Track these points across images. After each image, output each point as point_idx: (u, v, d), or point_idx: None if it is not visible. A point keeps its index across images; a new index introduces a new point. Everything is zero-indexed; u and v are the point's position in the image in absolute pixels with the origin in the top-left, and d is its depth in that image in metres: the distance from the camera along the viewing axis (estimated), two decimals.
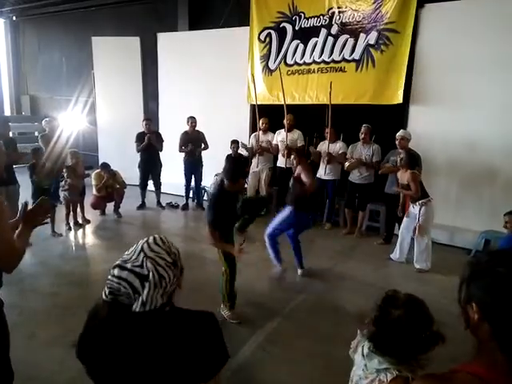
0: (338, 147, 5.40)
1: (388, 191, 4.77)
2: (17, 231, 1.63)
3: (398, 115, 5.22)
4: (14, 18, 10.01)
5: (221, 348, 1.05)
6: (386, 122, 5.21)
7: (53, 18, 9.17)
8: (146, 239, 1.05)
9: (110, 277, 1.00)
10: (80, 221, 5.37)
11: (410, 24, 4.94)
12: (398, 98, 5.06)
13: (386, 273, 4.16)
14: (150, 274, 0.98)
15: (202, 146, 6.31)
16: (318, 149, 5.59)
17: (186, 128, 6.27)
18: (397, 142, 4.61)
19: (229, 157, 6.37)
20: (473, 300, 0.78)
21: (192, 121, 6.21)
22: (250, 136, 6.31)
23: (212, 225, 2.84)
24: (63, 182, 5.00)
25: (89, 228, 5.40)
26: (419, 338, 1.18)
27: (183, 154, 6.32)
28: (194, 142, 6.19)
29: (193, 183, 6.58)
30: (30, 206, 1.76)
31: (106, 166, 5.69)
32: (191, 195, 6.75)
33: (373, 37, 5.23)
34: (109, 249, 4.71)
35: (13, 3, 9.44)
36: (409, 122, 5.15)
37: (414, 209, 4.12)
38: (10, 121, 4.53)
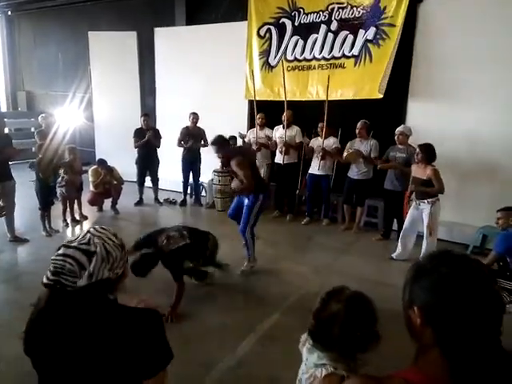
0: (331, 142, 5.38)
1: (387, 187, 4.75)
2: None
3: (397, 110, 5.21)
4: (10, 12, 9.90)
5: (164, 346, 1.04)
6: (386, 117, 5.20)
7: (49, 12, 9.07)
8: (91, 227, 1.07)
9: (53, 256, 0.99)
10: (77, 217, 5.34)
11: (402, 16, 4.88)
12: (380, 92, 4.99)
13: (384, 268, 4.16)
14: (98, 247, 0.99)
15: (202, 142, 6.29)
16: (310, 144, 5.57)
17: (185, 123, 6.24)
18: (396, 138, 4.60)
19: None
20: (415, 303, 0.72)
21: (194, 116, 6.19)
22: (247, 132, 6.28)
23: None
24: (60, 179, 4.97)
25: (86, 224, 5.37)
26: (356, 335, 1.15)
27: (181, 151, 6.29)
28: (194, 138, 6.16)
29: (191, 179, 6.56)
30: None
31: (102, 161, 5.65)
32: (189, 191, 6.73)
33: (371, 32, 5.20)
34: None
35: None
36: (407, 117, 5.14)
37: (421, 206, 4.04)
38: (6, 117, 4.47)
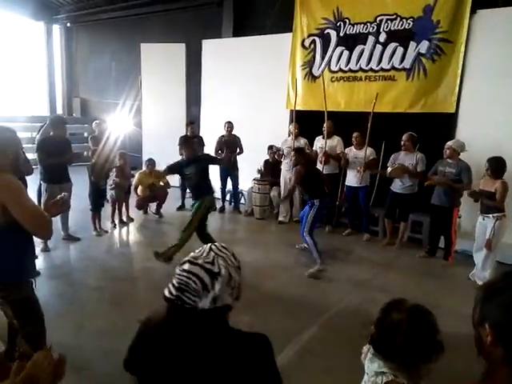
0: (368, 153, 5.28)
1: (434, 202, 4.57)
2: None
3: (445, 125, 5.04)
4: (69, 24, 10.66)
5: (275, 373, 1.01)
6: (434, 131, 5.04)
7: (104, 24, 9.69)
8: (209, 244, 1.06)
9: (178, 271, 0.99)
10: (124, 219, 5.61)
11: (462, 33, 4.82)
12: (452, 107, 4.93)
13: (429, 288, 3.98)
14: (223, 270, 0.98)
15: (238, 150, 6.41)
16: (345, 155, 5.51)
17: (223, 133, 6.40)
18: (444, 151, 4.42)
19: (266, 162, 6.43)
20: (486, 321, 0.72)
21: (228, 125, 6.35)
22: (281, 142, 6.30)
23: None
24: (111, 182, 5.26)
25: (132, 226, 5.63)
26: (419, 345, 1.15)
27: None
28: (229, 146, 6.31)
29: (229, 187, 6.68)
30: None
31: (152, 160, 5.94)
32: (228, 198, 6.86)
33: (424, 46, 5.11)
34: (150, 247, 4.86)
35: (67, 10, 10.09)
36: (457, 132, 4.95)
37: (485, 220, 3.92)
38: (67, 122, 4.80)
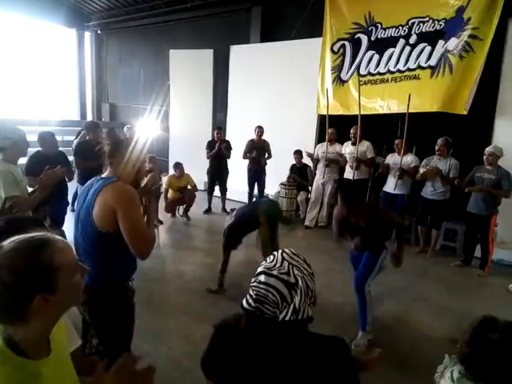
0: (409, 160, 5.17)
1: (470, 210, 4.44)
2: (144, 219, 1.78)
3: (481, 128, 4.91)
4: (99, 31, 10.99)
5: (354, 374, 0.99)
6: (468, 135, 4.91)
7: (133, 31, 9.94)
8: (280, 251, 1.04)
9: (255, 283, 0.98)
10: (154, 221, 5.68)
11: (492, 31, 4.61)
12: (463, 109, 4.71)
13: (467, 298, 3.86)
14: (300, 280, 0.96)
15: (266, 155, 6.42)
16: (386, 161, 5.41)
17: (253, 137, 6.42)
18: (485, 158, 4.29)
19: (293, 167, 6.42)
20: None
21: (259, 130, 6.36)
22: (315, 146, 6.29)
23: None
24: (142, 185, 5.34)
25: (161, 229, 5.71)
26: None
27: (247, 162, 6.47)
28: (258, 151, 6.32)
29: (256, 191, 6.70)
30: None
31: (180, 164, 6.05)
32: None
33: (452, 43, 4.97)
34: (180, 249, 4.97)
35: (98, 18, 10.42)
36: (494, 136, 4.82)
37: None
38: (101, 127, 4.92)
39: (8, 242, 0.83)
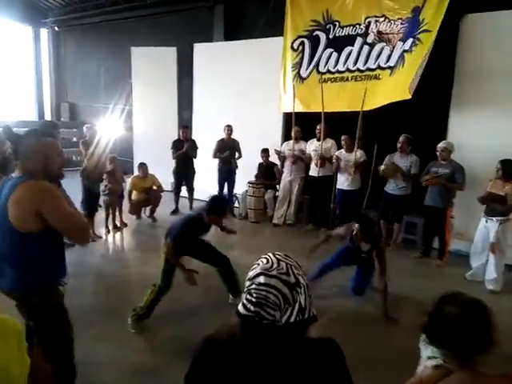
0: (358, 155, 5.31)
1: (428, 203, 4.63)
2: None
3: (437, 124, 5.12)
4: (56, 28, 10.55)
5: (347, 377, 0.96)
6: (424, 131, 5.11)
7: (92, 28, 9.61)
8: (270, 253, 0.98)
9: (254, 286, 0.92)
10: (118, 224, 5.53)
11: (439, 22, 4.73)
12: (407, 93, 4.75)
13: (426, 287, 4.01)
14: (301, 279, 0.93)
15: (236, 154, 6.40)
16: (334, 158, 5.53)
17: (221, 136, 6.38)
18: (438, 153, 4.50)
19: (260, 165, 6.43)
20: None
21: (228, 129, 6.33)
22: (281, 144, 6.33)
23: (175, 241, 3.03)
24: (103, 187, 5.18)
25: (126, 231, 5.55)
26: (471, 339, 1.18)
27: (217, 162, 6.42)
28: (229, 150, 6.28)
29: (225, 190, 6.66)
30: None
31: (144, 164, 5.91)
32: None
33: (408, 43, 5.15)
34: (145, 251, 4.82)
35: (55, 14, 9.99)
36: (449, 131, 5.04)
37: (489, 223, 3.92)
38: (59, 126, 4.71)
39: None
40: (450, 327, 1.21)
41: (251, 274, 0.95)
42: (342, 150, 5.47)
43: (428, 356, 1.30)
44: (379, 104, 5.18)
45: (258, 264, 0.96)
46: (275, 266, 0.94)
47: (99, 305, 3.36)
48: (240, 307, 0.93)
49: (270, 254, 0.98)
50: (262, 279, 0.92)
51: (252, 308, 0.90)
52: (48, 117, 10.62)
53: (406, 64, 5.11)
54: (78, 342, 2.76)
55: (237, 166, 6.42)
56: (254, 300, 0.91)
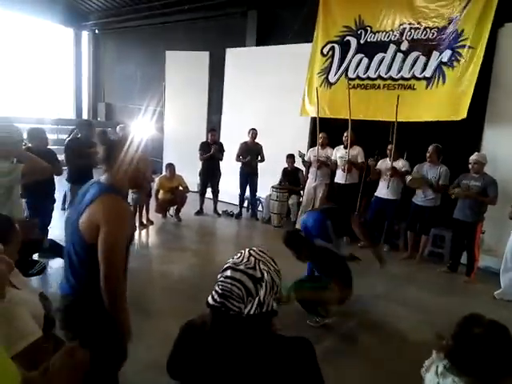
0: (400, 165, 5.20)
1: (457, 217, 4.48)
2: None
3: (471, 136, 4.95)
4: (97, 31, 11.03)
5: (318, 377, 1.00)
6: (458, 142, 4.96)
7: (131, 32, 9.98)
8: (247, 249, 1.05)
9: (221, 278, 0.99)
10: (144, 221, 5.70)
11: (484, 39, 4.67)
12: (463, 113, 4.71)
13: (452, 303, 3.88)
14: (265, 274, 0.97)
15: (259, 158, 6.45)
16: (378, 166, 5.43)
17: (246, 139, 6.45)
18: (470, 166, 4.34)
19: (285, 170, 6.44)
20: None
21: (253, 132, 6.40)
22: (307, 150, 6.32)
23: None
24: None
25: (152, 229, 5.71)
26: (499, 360, 1.15)
27: (240, 164, 6.50)
28: (251, 153, 6.34)
29: (247, 193, 6.72)
30: None
31: (172, 165, 6.04)
32: (245, 205, 6.88)
33: (447, 55, 5.04)
34: (169, 250, 4.97)
35: (96, 17, 10.45)
36: (483, 143, 4.86)
37: None
38: (93, 125, 4.92)
39: None
40: (478, 349, 1.17)
41: (223, 267, 1.02)
42: (387, 158, 5.30)
43: None
44: (418, 119, 5.09)
45: (232, 258, 1.03)
46: (245, 260, 1.00)
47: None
48: (209, 298, 0.99)
49: (245, 250, 1.04)
50: (228, 272, 0.98)
51: (218, 299, 0.97)
52: (85, 116, 11.10)
53: (447, 80, 5.01)
54: None
55: (256, 166, 6.48)
56: (220, 292, 0.97)
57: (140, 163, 1.69)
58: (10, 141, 2.79)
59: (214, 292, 1.00)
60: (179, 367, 1.07)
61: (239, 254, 1.03)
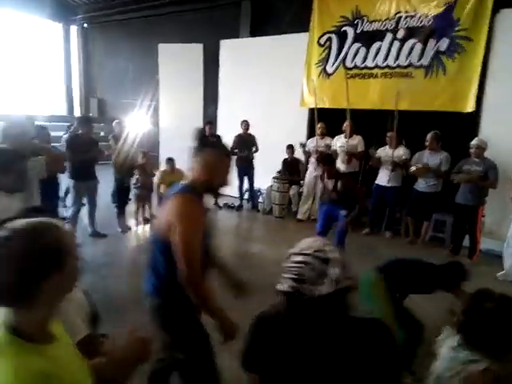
0: (401, 153, 5.25)
1: (458, 201, 4.55)
2: None
3: (467, 123, 5.02)
4: (85, 25, 10.80)
5: (396, 358, 1.02)
6: (454, 129, 5.02)
7: (120, 25, 9.79)
8: (302, 240, 1.05)
9: (291, 264, 0.99)
10: (147, 216, 5.67)
11: (484, 31, 4.79)
12: (471, 106, 4.88)
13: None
14: (335, 254, 0.99)
15: (253, 149, 6.47)
16: (378, 154, 5.47)
17: (240, 131, 6.45)
18: (471, 151, 4.41)
19: (285, 161, 6.46)
20: None
21: (245, 124, 6.45)
22: (307, 140, 6.33)
23: None
24: (135, 180, 5.33)
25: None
26: (510, 334, 1.18)
27: (235, 157, 6.49)
28: (246, 144, 6.38)
29: (246, 185, 6.72)
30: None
31: (172, 159, 5.96)
32: (246, 197, 6.89)
33: (444, 44, 5.09)
34: None
35: (84, 11, 10.23)
36: (481, 130, 4.93)
37: None
38: (93, 121, 4.87)
39: (14, 226, 0.82)
40: (489, 324, 1.20)
41: (290, 254, 1.03)
42: (386, 146, 5.35)
43: (466, 360, 1.25)
44: (419, 108, 5.18)
45: (297, 246, 1.04)
46: (310, 245, 1.01)
47: (126, 292, 3.46)
48: (280, 285, 0.99)
49: (303, 241, 1.05)
50: (299, 258, 0.99)
51: (294, 284, 0.97)
52: (77, 112, 10.92)
53: (448, 73, 5.08)
54: (109, 326, 2.91)
55: (253, 157, 6.52)
56: (293, 277, 0.97)
57: (219, 166, 1.68)
58: (25, 136, 2.79)
59: (285, 279, 0.99)
60: (257, 360, 1.07)
61: (302, 242, 1.04)
